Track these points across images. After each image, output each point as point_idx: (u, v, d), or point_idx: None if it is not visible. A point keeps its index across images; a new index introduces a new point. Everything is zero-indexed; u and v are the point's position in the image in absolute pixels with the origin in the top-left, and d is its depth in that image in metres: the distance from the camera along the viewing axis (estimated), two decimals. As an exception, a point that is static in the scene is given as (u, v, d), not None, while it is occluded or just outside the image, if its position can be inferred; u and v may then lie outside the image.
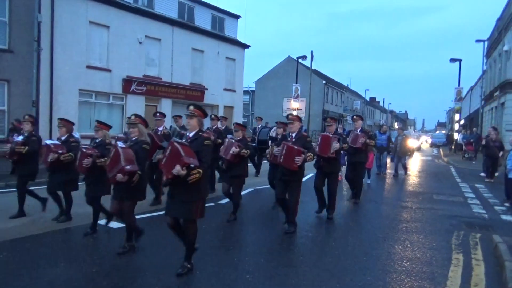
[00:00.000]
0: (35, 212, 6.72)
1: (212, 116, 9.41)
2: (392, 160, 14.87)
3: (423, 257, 5.21)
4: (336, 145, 6.60)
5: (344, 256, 5.12)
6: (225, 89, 23.62)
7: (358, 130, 8.20)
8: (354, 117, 8.61)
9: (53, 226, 6.08)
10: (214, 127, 9.07)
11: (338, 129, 14.22)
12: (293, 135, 6.13)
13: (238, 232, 6.29)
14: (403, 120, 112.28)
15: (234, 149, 6.37)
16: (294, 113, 10.25)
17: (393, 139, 14.11)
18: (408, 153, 14.07)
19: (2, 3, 13.63)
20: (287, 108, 26.87)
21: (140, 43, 18.36)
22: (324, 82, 44.81)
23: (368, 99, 68.54)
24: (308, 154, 5.80)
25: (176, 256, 4.56)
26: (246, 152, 6.59)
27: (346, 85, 60.10)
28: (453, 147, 28.67)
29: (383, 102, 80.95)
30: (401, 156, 13.79)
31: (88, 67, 16.28)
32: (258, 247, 5.44)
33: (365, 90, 61.01)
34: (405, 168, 14.16)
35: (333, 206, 7.21)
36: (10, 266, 4.41)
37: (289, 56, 44.22)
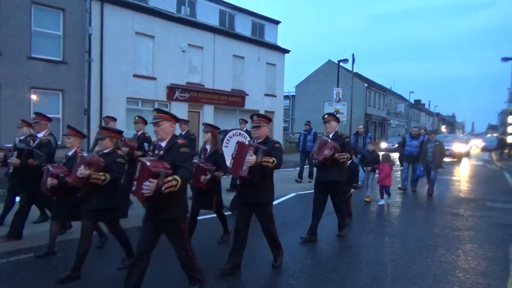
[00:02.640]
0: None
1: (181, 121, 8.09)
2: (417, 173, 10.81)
3: (478, 267, 4.94)
4: (250, 159, 4.03)
5: (391, 264, 4.96)
6: (266, 95, 23.74)
7: (331, 135, 5.87)
8: (326, 116, 6.04)
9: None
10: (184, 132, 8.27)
11: (304, 128, 12.93)
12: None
13: (282, 237, 6.27)
14: (451, 123, 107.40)
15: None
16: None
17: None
18: (442, 166, 10.74)
19: (57, 19, 14.54)
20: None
21: (183, 51, 18.89)
22: (366, 85, 43.86)
23: (412, 102, 66.26)
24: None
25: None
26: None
27: (389, 88, 58.48)
28: (506, 151, 26.94)
29: (429, 104, 77.98)
30: (431, 168, 10.40)
31: (135, 75, 16.97)
32: (303, 252, 5.40)
33: (409, 92, 58.99)
34: (431, 186, 10.48)
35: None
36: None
37: (329, 59, 43.72)
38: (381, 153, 9.80)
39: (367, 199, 9.20)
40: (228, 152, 5.90)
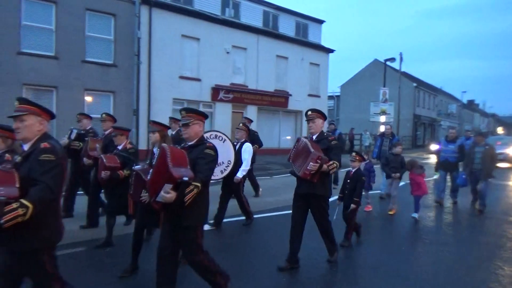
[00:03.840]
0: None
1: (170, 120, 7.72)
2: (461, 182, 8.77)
3: (540, 281, 4.53)
4: (180, 173, 2.97)
5: (443, 273, 4.67)
6: (309, 95, 23.46)
7: (315, 136, 4.59)
8: (309, 113, 4.66)
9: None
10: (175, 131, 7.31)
11: (328, 128, 11.98)
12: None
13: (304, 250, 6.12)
14: (508, 124, 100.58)
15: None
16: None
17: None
18: (493, 175, 8.56)
19: (108, 24, 15.25)
20: (374, 113, 25.77)
21: (227, 52, 19.13)
22: (414, 84, 42.13)
23: (465, 102, 62.78)
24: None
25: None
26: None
27: (440, 88, 55.80)
28: None
29: (483, 105, 73.54)
30: (479, 177, 8.37)
31: (181, 77, 17.41)
32: (346, 265, 5.23)
33: (462, 92, 56.10)
34: (482, 200, 8.45)
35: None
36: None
37: (375, 59, 42.47)
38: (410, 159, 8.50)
39: (391, 212, 7.88)
40: None
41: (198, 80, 18.12)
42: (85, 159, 6.03)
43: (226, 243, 5.67)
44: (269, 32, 21.38)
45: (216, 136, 5.94)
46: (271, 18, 22.05)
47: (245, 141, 6.72)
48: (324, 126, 5.12)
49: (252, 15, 20.92)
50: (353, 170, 5.86)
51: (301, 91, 22.86)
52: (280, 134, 22.66)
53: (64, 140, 6.54)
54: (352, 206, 5.58)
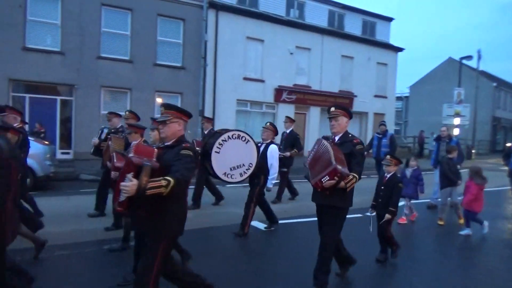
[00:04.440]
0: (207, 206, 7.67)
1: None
2: None
3: None
4: (140, 160, 2.74)
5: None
6: (376, 96, 22.61)
7: (337, 137, 4.02)
8: (332, 109, 4.07)
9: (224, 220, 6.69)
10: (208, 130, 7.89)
11: (379, 129, 10.13)
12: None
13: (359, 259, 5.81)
14: None
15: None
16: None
17: None
18: None
19: (177, 28, 16.00)
20: (447, 115, 24.12)
21: (291, 53, 19.08)
22: (494, 84, 38.76)
23: (555, 103, 56.29)
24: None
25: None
26: None
27: (525, 87, 50.67)
28: None
29: None
30: None
31: (245, 78, 17.71)
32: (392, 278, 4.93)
33: (552, 92, 50.30)
34: None
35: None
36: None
37: (450, 57, 39.79)
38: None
39: (440, 222, 7.13)
40: (220, 159, 4.87)
41: (262, 81, 18.29)
42: (113, 173, 4.86)
43: (252, 247, 5.61)
44: (334, 31, 20.95)
45: (238, 136, 5.23)
46: (337, 18, 21.58)
47: (271, 143, 6.15)
48: (355, 127, 4.58)
49: (317, 15, 20.65)
50: (388, 176, 5.15)
51: (367, 92, 22.09)
52: (344, 136, 22.06)
53: (95, 140, 6.65)
54: (387, 216, 4.87)
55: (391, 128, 23.96)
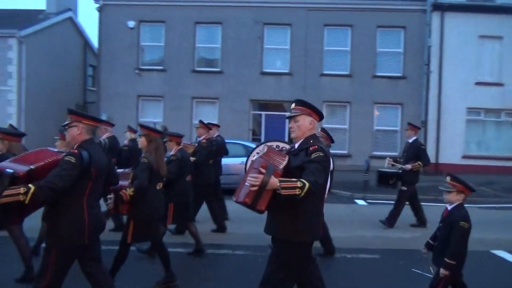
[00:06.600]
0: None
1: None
2: None
3: None
4: (4, 165, 2.90)
5: None
6: None
7: (297, 145, 3.00)
8: (292, 106, 3.07)
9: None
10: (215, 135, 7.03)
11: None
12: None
13: None
14: None
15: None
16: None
17: None
18: None
19: (398, 37, 15.55)
20: None
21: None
22: None
23: None
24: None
25: None
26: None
27: None
28: None
29: None
30: None
31: (477, 83, 15.51)
32: None
33: None
34: None
35: None
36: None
37: None
38: None
39: None
40: None
41: (500, 84, 15.58)
42: None
43: None
44: None
45: (277, 146, 4.72)
46: None
47: None
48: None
49: None
50: (449, 208, 3.50)
51: None
52: None
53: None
54: (441, 271, 3.32)
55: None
